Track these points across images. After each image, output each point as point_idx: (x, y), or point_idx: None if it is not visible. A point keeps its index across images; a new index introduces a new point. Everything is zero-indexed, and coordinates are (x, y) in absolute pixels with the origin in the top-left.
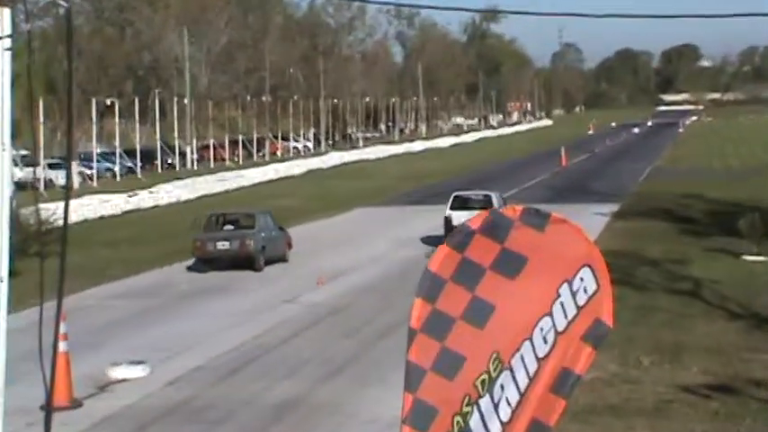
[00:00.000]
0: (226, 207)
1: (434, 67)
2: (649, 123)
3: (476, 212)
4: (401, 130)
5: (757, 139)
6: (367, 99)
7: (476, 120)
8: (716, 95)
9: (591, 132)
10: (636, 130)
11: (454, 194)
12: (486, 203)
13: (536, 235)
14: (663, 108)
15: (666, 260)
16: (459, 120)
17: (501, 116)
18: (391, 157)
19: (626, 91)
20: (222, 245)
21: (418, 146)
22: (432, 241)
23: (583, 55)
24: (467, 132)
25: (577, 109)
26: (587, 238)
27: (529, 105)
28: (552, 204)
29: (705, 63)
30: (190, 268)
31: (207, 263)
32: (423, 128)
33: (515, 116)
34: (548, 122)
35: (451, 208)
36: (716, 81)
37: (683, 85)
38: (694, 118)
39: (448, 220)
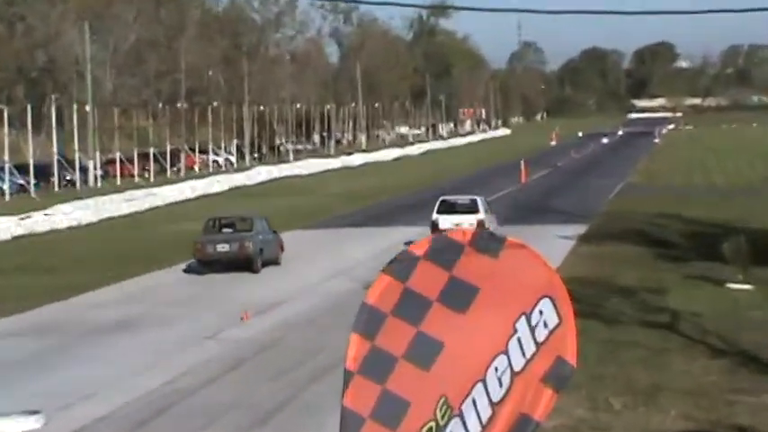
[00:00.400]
0: (178, 221)
1: (375, 69)
2: (620, 132)
3: (462, 216)
4: (337, 142)
5: (743, 151)
6: (298, 106)
7: (423, 129)
8: (695, 101)
9: (554, 143)
10: (605, 140)
11: (441, 198)
12: (471, 207)
13: (489, 262)
14: (636, 115)
15: (640, 289)
16: (404, 129)
17: (452, 125)
18: (326, 172)
19: (594, 96)
20: (222, 247)
21: (357, 159)
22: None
23: (544, 55)
24: (412, 144)
25: (538, 117)
26: (548, 265)
27: (483, 113)
28: (509, 226)
29: (683, 64)
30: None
31: (207, 265)
32: (362, 139)
33: (468, 125)
34: (505, 132)
35: (438, 212)
36: (695, 84)
37: (658, 89)
38: (671, 126)
39: (435, 224)
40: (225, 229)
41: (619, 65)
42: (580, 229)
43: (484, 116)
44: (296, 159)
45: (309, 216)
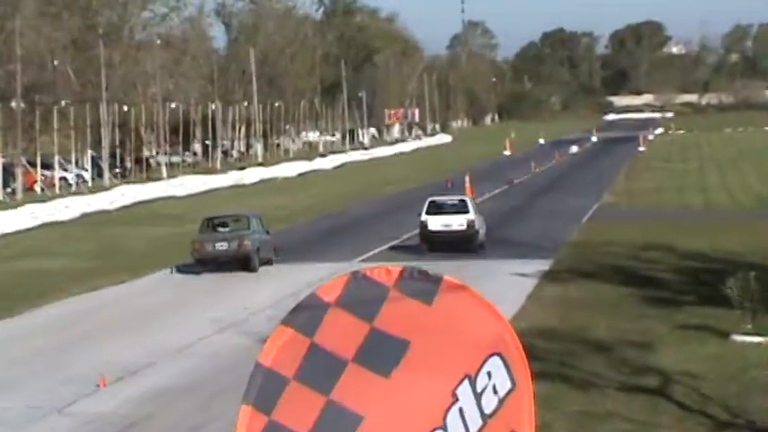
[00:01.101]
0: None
1: (275, 58)
2: (594, 139)
3: (452, 217)
4: (225, 153)
5: (752, 163)
6: (173, 105)
7: (338, 136)
8: (691, 97)
9: (508, 153)
10: (574, 148)
11: (429, 199)
12: (461, 208)
13: (421, 309)
14: (614, 116)
15: (621, 343)
16: (313, 136)
17: (375, 130)
18: (210, 192)
19: (559, 92)
20: (221, 245)
21: (251, 175)
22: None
23: (495, 39)
24: (324, 155)
25: (488, 119)
26: (498, 313)
27: (417, 114)
28: (448, 261)
29: (674, 50)
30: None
31: (205, 264)
32: (258, 148)
33: (397, 130)
34: (445, 139)
35: (427, 212)
36: (690, 76)
37: (642, 83)
38: (660, 131)
39: (424, 225)
40: (221, 228)
41: (591, 51)
42: (542, 264)
43: (417, 119)
44: (170, 176)
45: (188, 251)
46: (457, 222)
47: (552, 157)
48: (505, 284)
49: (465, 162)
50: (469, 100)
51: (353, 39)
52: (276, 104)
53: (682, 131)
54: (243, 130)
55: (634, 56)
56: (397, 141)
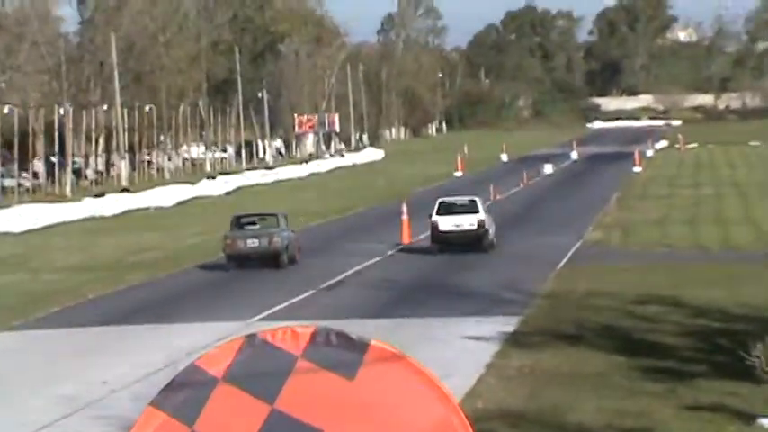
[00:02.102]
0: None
1: (144, 47)
2: (574, 156)
3: (462, 217)
4: (77, 172)
5: None
6: (6, 110)
7: (230, 151)
8: (705, 99)
9: (459, 174)
10: (548, 168)
11: (440, 200)
12: (471, 208)
13: (340, 385)
14: (601, 125)
15: (612, 430)
16: (198, 151)
17: (282, 143)
18: (58, 227)
19: (528, 92)
20: (252, 242)
21: (112, 204)
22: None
23: (443, 20)
24: (212, 178)
25: (433, 128)
26: (443, 391)
27: (337, 122)
28: (378, 319)
29: (681, 35)
30: None
31: (236, 260)
32: (122, 168)
33: (311, 143)
34: (375, 155)
35: (438, 213)
36: (703, 71)
37: (639, 80)
38: (663, 144)
39: (435, 226)
40: (251, 226)
41: (572, 38)
42: (506, 323)
43: (338, 128)
44: (2, 205)
45: (25, 306)
46: (467, 222)
47: (519, 180)
48: (456, 351)
49: (401, 187)
50: (408, 103)
51: (251, 20)
52: (147, 108)
53: (692, 145)
54: (101, 142)
55: (627, 44)
56: (310, 158)
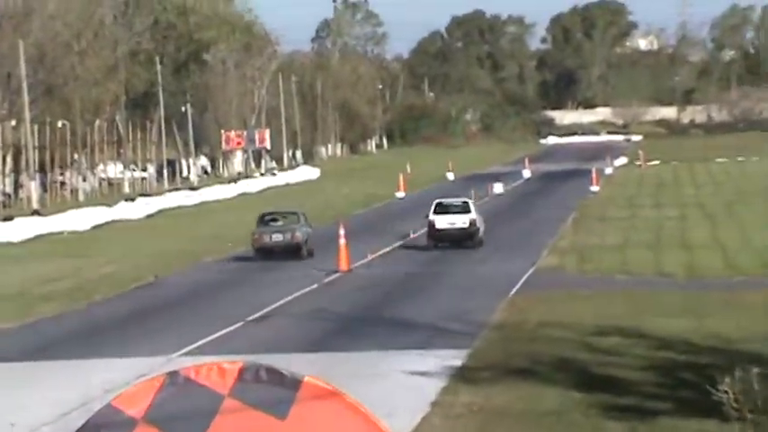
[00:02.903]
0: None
1: (56, 56)
2: (526, 174)
3: (456, 216)
4: None
5: (760, 209)
6: None
7: (151, 170)
8: (668, 112)
9: (401, 195)
10: (498, 187)
11: (436, 201)
12: (464, 209)
13: (270, 424)
14: (556, 140)
15: None
16: (116, 170)
17: (207, 161)
18: None
19: (476, 104)
20: (276, 237)
21: (21, 229)
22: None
23: (384, 26)
24: (131, 200)
25: (373, 145)
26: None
27: (268, 138)
28: (313, 353)
29: (642, 43)
30: None
31: (263, 253)
32: (33, 189)
33: (239, 161)
34: (310, 174)
35: (434, 213)
36: (666, 81)
37: (597, 92)
38: (623, 161)
39: (431, 224)
40: (275, 223)
41: (524, 46)
42: (452, 357)
43: (269, 145)
44: None
45: None
46: (460, 221)
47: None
48: (397, 388)
49: (338, 208)
50: (346, 117)
51: (173, 27)
52: (59, 124)
53: (654, 162)
54: (9, 161)
55: (584, 52)
56: (238, 178)
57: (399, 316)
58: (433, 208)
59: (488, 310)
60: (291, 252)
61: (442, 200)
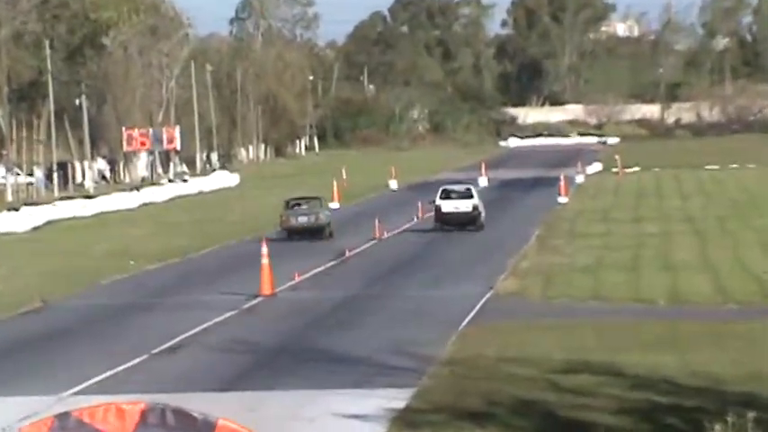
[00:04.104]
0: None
1: None
2: (483, 182)
3: (460, 201)
4: None
5: (758, 224)
6: None
7: (39, 174)
8: (649, 110)
9: (336, 206)
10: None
11: (442, 188)
12: (467, 195)
13: None
14: (518, 143)
15: None
16: None
17: (106, 164)
18: None
19: (425, 99)
20: (302, 219)
21: None
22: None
23: (314, 7)
24: (15, 209)
25: (302, 146)
26: None
27: (178, 137)
28: (230, 392)
29: (620, 28)
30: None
31: (291, 232)
32: None
33: (144, 164)
34: (228, 180)
35: (441, 198)
36: (647, 74)
37: (566, 86)
38: (597, 168)
39: (438, 208)
40: (300, 207)
41: (481, 31)
42: (394, 398)
43: (179, 145)
44: None
45: None
46: (464, 206)
47: (412, 213)
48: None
49: (261, 221)
50: (270, 113)
51: (66, 6)
52: None
53: (633, 169)
54: None
55: (551, 39)
56: (143, 184)
57: (332, 348)
58: (439, 194)
59: (437, 343)
60: (315, 232)
61: (447, 186)
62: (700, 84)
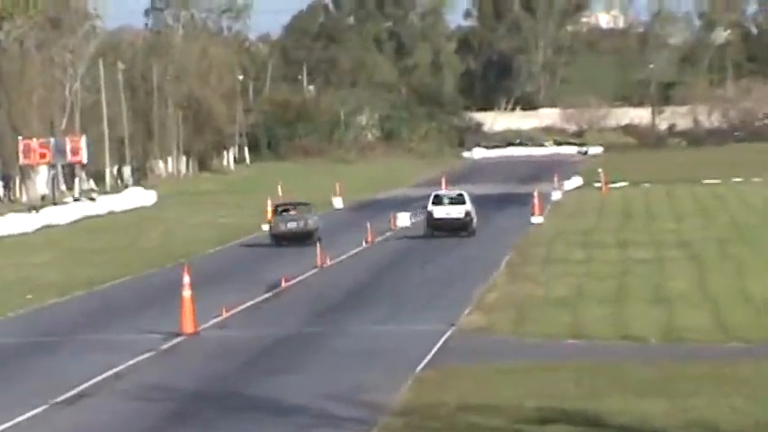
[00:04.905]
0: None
1: None
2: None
3: (452, 207)
4: None
5: (763, 248)
6: None
7: None
8: (637, 115)
9: (267, 228)
10: (405, 218)
11: (434, 193)
12: (459, 200)
13: None
14: (483, 152)
15: None
16: None
17: None
18: None
19: (376, 102)
20: (291, 224)
21: None
22: None
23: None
24: None
25: (230, 158)
26: None
27: (84, 148)
28: None
29: (602, 20)
30: None
31: (279, 238)
32: None
33: (44, 181)
34: (144, 199)
35: (433, 203)
36: (635, 72)
37: (540, 87)
38: (576, 182)
39: (430, 213)
40: (288, 213)
41: (440, 23)
42: None
43: (85, 158)
44: None
45: None
46: (456, 211)
47: (361, 237)
48: None
49: (183, 247)
50: (193, 119)
51: None
52: None
53: (619, 184)
54: None
55: (523, 32)
56: (43, 203)
57: (263, 396)
58: (431, 199)
59: (390, 389)
60: (304, 238)
61: (439, 192)
62: (697, 84)
